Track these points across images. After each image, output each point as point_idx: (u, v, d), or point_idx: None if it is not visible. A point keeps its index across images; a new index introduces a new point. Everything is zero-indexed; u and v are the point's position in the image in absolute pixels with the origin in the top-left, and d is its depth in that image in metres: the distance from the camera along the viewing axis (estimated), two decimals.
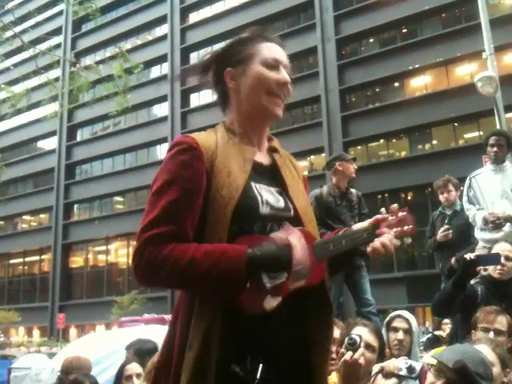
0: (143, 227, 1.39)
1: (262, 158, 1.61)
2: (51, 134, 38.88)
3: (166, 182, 1.43)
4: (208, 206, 1.42)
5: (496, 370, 2.31)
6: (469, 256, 3.54)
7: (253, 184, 1.50)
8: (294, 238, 1.39)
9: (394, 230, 1.59)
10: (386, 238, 1.54)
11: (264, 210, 1.47)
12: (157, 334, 4.70)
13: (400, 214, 1.62)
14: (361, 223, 1.63)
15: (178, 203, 1.40)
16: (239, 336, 1.38)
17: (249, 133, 1.60)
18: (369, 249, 1.55)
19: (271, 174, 1.60)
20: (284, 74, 1.59)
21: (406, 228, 1.61)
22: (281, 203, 1.53)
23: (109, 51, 35.27)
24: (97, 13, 11.04)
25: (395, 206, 1.64)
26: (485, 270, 3.74)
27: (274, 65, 1.58)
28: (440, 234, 5.42)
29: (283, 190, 1.58)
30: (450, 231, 5.38)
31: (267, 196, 1.50)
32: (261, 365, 1.38)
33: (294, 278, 1.39)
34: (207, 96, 32.97)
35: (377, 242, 1.53)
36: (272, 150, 1.66)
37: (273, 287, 1.35)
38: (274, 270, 1.35)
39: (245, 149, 1.56)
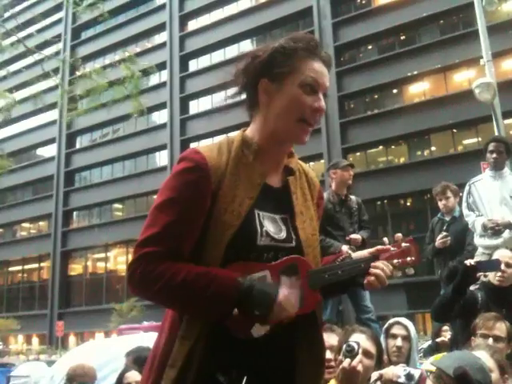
0: (142, 241, 1.39)
1: (275, 179, 1.55)
2: (50, 141, 38.95)
3: (169, 200, 1.41)
4: (208, 228, 1.41)
5: (495, 376, 2.31)
6: (469, 262, 3.55)
7: (256, 212, 1.46)
8: (290, 297, 1.36)
9: (395, 261, 1.55)
10: (380, 269, 1.49)
11: (262, 241, 1.44)
12: None
13: (403, 244, 1.57)
14: (361, 252, 1.58)
15: (178, 223, 1.39)
16: (226, 348, 1.38)
17: (267, 150, 1.52)
18: (366, 281, 1.50)
19: (280, 198, 1.53)
20: (321, 102, 1.49)
21: (408, 259, 1.56)
22: (282, 234, 1.48)
23: (108, 58, 35.39)
24: (105, 14, 11.04)
25: (399, 235, 1.59)
26: (485, 276, 3.74)
27: (312, 89, 1.48)
28: (438, 240, 5.43)
29: (290, 218, 1.52)
30: (449, 238, 5.39)
31: (269, 226, 1.47)
32: (245, 377, 1.38)
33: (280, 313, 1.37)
34: (206, 103, 33.05)
35: (370, 275, 1.49)
36: (288, 171, 1.58)
37: (261, 316, 1.34)
38: (258, 311, 1.33)
39: (255, 171, 1.49)
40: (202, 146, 1.53)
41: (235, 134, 1.57)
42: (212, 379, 1.35)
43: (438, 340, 5.97)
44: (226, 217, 1.40)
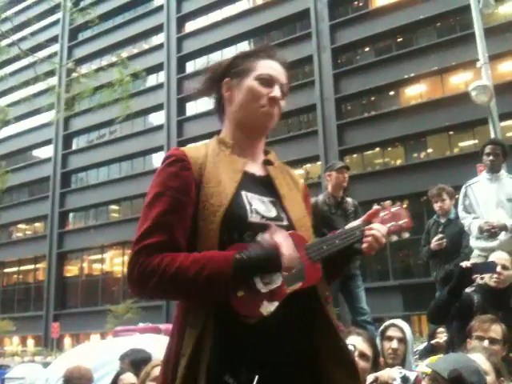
0: (136, 240, 1.42)
1: (256, 169, 1.63)
2: (47, 142, 38.88)
3: (155, 195, 1.46)
4: (198, 214, 1.45)
5: (490, 378, 2.31)
6: (465, 264, 3.55)
7: (243, 193, 1.51)
8: (280, 237, 1.37)
9: (389, 225, 1.59)
10: (376, 230, 1.54)
11: (253, 218, 1.47)
12: (152, 343, 4.68)
13: (393, 208, 1.62)
14: (354, 222, 1.63)
15: (167, 214, 1.42)
16: (235, 346, 1.37)
17: (241, 144, 1.62)
18: (364, 245, 1.54)
19: (265, 185, 1.60)
20: (275, 91, 1.61)
21: (401, 222, 1.60)
22: (272, 213, 1.53)
23: (105, 60, 35.35)
24: (95, 19, 11.07)
25: (388, 202, 1.65)
26: (481, 278, 3.74)
27: (268, 81, 1.61)
28: (434, 242, 5.43)
29: (277, 201, 1.58)
30: (444, 240, 5.39)
31: (257, 205, 1.51)
32: (257, 376, 1.35)
33: (290, 280, 1.38)
34: (203, 105, 33.04)
35: (368, 237, 1.53)
36: (267, 163, 1.67)
37: (268, 292, 1.34)
38: (263, 269, 1.35)
39: (235, 160, 1.58)
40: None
41: (210, 140, 1.67)
42: (221, 381, 1.34)
43: (433, 342, 5.98)
44: (214, 199, 1.45)
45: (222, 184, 1.48)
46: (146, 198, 1.50)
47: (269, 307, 1.34)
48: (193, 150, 1.56)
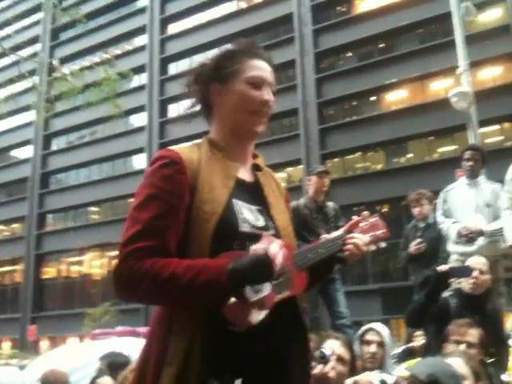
0: (124, 242, 1.37)
1: (245, 174, 1.63)
2: (26, 142, 38.38)
3: (148, 197, 1.42)
4: (191, 220, 1.42)
5: (469, 383, 2.32)
6: (441, 268, 3.58)
7: (234, 201, 1.49)
8: (274, 246, 1.37)
9: (368, 235, 1.65)
10: (357, 238, 1.59)
11: (244, 228, 1.47)
12: (130, 346, 4.65)
13: (372, 219, 1.69)
14: (336, 232, 1.68)
15: (160, 218, 1.39)
16: (219, 350, 1.36)
17: (232, 148, 1.61)
18: (346, 253, 1.59)
19: (253, 192, 1.60)
20: (267, 94, 1.60)
21: (378, 233, 1.67)
22: (260, 222, 1.53)
23: (87, 60, 35.05)
24: (83, 18, 10.98)
25: (366, 212, 1.70)
26: (458, 283, 3.77)
27: (258, 84, 1.60)
28: (413, 246, 5.47)
29: (264, 209, 1.58)
30: (423, 244, 5.43)
31: (247, 214, 1.51)
32: (240, 380, 1.36)
33: (278, 288, 1.39)
34: (185, 106, 32.87)
35: (349, 245, 1.58)
36: (256, 168, 1.67)
37: (257, 300, 1.34)
38: (256, 279, 1.33)
39: (228, 165, 1.56)
40: (172, 147, 1.57)
41: (201, 140, 1.64)
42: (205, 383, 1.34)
43: (410, 345, 6.03)
44: (208, 206, 1.43)
45: (216, 190, 1.47)
46: (135, 198, 1.45)
47: (258, 316, 1.34)
48: (187, 152, 1.52)
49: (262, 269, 1.32)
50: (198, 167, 1.49)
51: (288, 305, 1.47)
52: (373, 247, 1.67)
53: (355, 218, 1.68)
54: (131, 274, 1.33)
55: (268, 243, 1.38)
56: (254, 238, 1.45)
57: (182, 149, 1.54)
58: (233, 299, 1.32)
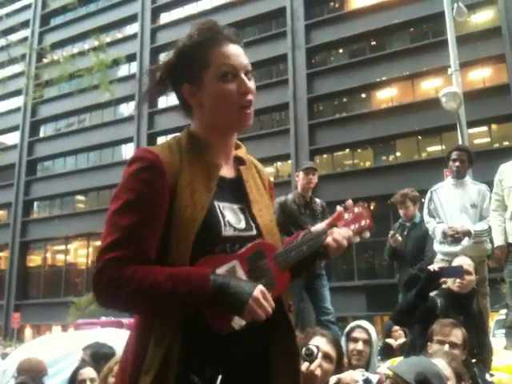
0: (103, 249, 1.34)
1: (227, 170, 1.56)
2: (13, 128, 37.98)
3: (127, 202, 1.37)
4: (171, 225, 1.38)
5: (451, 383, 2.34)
6: (432, 268, 3.60)
7: (216, 203, 1.45)
8: (261, 294, 1.33)
9: (352, 227, 1.61)
10: (337, 233, 1.54)
11: (226, 232, 1.43)
12: (114, 337, 4.63)
13: (356, 209, 1.64)
14: (319, 225, 1.63)
15: (140, 225, 1.35)
16: (201, 348, 1.35)
17: (214, 143, 1.53)
18: (327, 249, 1.55)
19: (235, 188, 1.54)
20: (244, 83, 1.48)
21: (363, 223, 1.63)
22: (242, 224, 1.48)
23: (77, 47, 34.71)
24: (75, 3, 10.85)
25: (350, 202, 1.64)
26: (444, 282, 3.80)
27: (231, 73, 1.47)
28: (390, 239, 5.54)
29: (246, 207, 1.53)
30: (397, 235, 5.49)
31: (229, 216, 1.47)
32: (220, 376, 1.35)
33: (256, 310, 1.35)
34: (175, 97, 32.69)
35: (329, 239, 1.53)
36: (238, 160, 1.60)
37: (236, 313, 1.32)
38: (231, 306, 1.31)
39: (210, 165, 1.49)
40: (152, 146, 1.50)
41: (182, 133, 1.56)
42: (186, 380, 1.33)
43: (388, 341, 6.09)
44: (189, 211, 1.38)
45: (197, 194, 1.41)
46: (113, 200, 1.40)
47: (240, 321, 1.33)
48: (166, 153, 1.44)
49: (240, 305, 1.30)
50: (178, 169, 1.42)
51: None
52: (357, 239, 1.63)
53: (339, 208, 1.63)
54: (111, 282, 1.30)
55: (259, 288, 1.33)
56: (236, 240, 1.44)
57: (162, 149, 1.45)
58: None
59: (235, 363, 1.40)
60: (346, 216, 1.61)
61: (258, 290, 1.32)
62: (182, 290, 1.29)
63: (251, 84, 1.51)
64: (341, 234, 1.54)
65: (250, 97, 1.50)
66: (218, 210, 1.44)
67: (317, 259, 1.64)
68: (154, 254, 1.36)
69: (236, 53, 1.50)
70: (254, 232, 1.50)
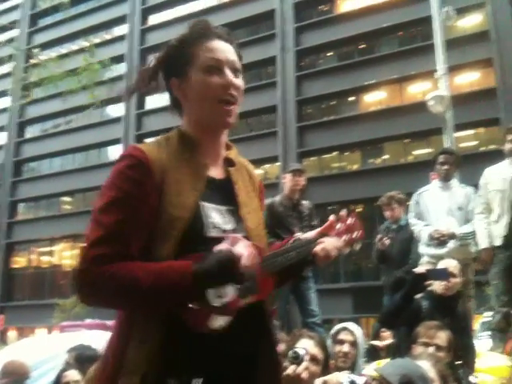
0: (88, 246, 1.33)
1: (217, 171, 1.54)
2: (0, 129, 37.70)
3: (112, 200, 1.36)
4: (156, 224, 1.36)
5: None
6: (418, 270, 3.61)
7: (202, 204, 1.43)
8: (240, 246, 1.33)
9: (343, 237, 1.59)
10: (327, 243, 1.52)
11: (211, 233, 1.41)
12: (98, 340, 4.61)
13: (348, 220, 1.62)
14: (310, 232, 1.62)
15: (124, 223, 1.33)
16: (181, 351, 1.33)
17: (203, 142, 1.52)
18: (315, 258, 1.53)
19: (224, 190, 1.52)
20: (227, 76, 1.47)
21: (355, 234, 1.61)
22: (229, 225, 1.47)
23: (65, 48, 34.48)
24: (67, 4, 10.80)
25: (343, 212, 1.63)
26: (430, 285, 3.82)
27: (215, 67, 1.47)
28: (377, 242, 5.56)
29: (235, 209, 1.51)
30: (385, 238, 5.52)
31: (216, 217, 1.45)
32: (201, 380, 1.33)
33: (242, 293, 1.35)
34: (164, 99, 32.64)
35: (318, 248, 1.51)
36: (228, 162, 1.58)
37: (219, 306, 1.30)
38: (221, 278, 1.29)
39: (198, 165, 1.48)
40: (141, 144, 1.49)
41: (172, 132, 1.56)
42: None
43: (373, 342, 6.11)
44: (175, 211, 1.37)
45: (184, 194, 1.40)
46: (99, 197, 1.39)
47: (219, 321, 1.31)
48: (154, 152, 1.43)
49: (227, 267, 1.28)
50: (165, 168, 1.41)
51: (254, 308, 1.43)
52: (347, 250, 1.62)
53: (331, 217, 1.61)
54: (93, 279, 1.29)
55: (233, 243, 1.33)
56: (222, 241, 1.41)
57: (151, 147, 1.44)
58: (193, 304, 1.29)
59: (217, 367, 1.37)
60: (338, 226, 1.60)
61: (239, 247, 1.31)
62: (164, 282, 1.27)
63: (237, 81, 1.50)
64: (331, 244, 1.53)
65: (231, 91, 1.48)
66: (205, 211, 1.43)
67: (304, 268, 1.64)
68: (137, 253, 1.34)
69: (222, 48, 1.50)
70: (242, 234, 1.47)
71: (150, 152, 1.42)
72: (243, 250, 1.32)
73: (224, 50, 1.51)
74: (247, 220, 1.50)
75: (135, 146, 1.45)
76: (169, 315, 1.32)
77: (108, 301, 1.35)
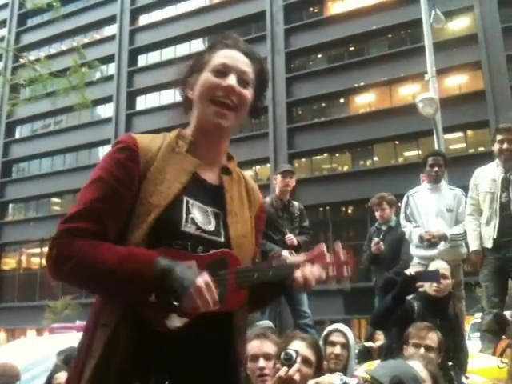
0: (64, 219, 1.35)
1: (211, 175, 1.54)
2: None
3: (96, 178, 1.40)
4: (134, 210, 1.38)
5: None
6: (409, 272, 3.62)
7: (185, 198, 1.43)
8: (205, 283, 1.28)
9: (331, 270, 1.50)
10: (308, 271, 1.45)
11: (187, 228, 1.39)
12: None
13: (341, 255, 1.53)
14: (297, 256, 1.54)
15: (101, 201, 1.35)
16: (146, 352, 1.32)
17: (200, 144, 1.52)
18: (293, 283, 1.47)
19: (214, 195, 1.51)
20: (229, 80, 1.48)
21: (344, 272, 1.51)
22: (211, 226, 1.45)
23: (54, 48, 34.30)
24: (57, 2, 10.77)
25: (339, 245, 1.54)
26: (421, 286, 3.83)
27: (222, 71, 1.49)
28: (372, 246, 5.58)
29: (222, 214, 1.49)
30: (381, 243, 5.54)
31: (196, 215, 1.43)
32: (167, 382, 1.32)
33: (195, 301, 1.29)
34: (153, 99, 32.59)
35: (298, 273, 1.44)
36: (225, 171, 1.57)
37: (180, 307, 1.28)
38: (172, 288, 1.27)
39: (187, 160, 1.48)
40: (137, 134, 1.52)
41: (172, 131, 1.58)
42: None
43: (367, 344, 6.13)
44: (153, 198, 1.38)
45: (166, 183, 1.40)
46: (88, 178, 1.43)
47: (176, 322, 1.29)
48: (147, 140, 1.47)
49: (182, 289, 1.26)
50: (153, 157, 1.43)
51: (222, 321, 1.40)
52: (333, 285, 1.54)
53: (321, 245, 1.52)
54: (60, 251, 1.30)
55: (207, 277, 1.29)
56: (200, 240, 1.40)
57: (144, 137, 1.48)
58: (153, 297, 1.28)
59: (184, 372, 1.36)
60: (328, 258, 1.51)
61: (202, 280, 1.27)
62: (126, 267, 1.27)
63: (240, 89, 1.50)
64: (312, 273, 1.45)
65: (230, 95, 1.48)
66: (185, 205, 1.42)
67: (280, 292, 1.58)
68: (111, 235, 1.35)
69: (236, 57, 1.54)
70: (222, 239, 1.45)
71: (141, 140, 1.46)
72: (208, 277, 1.29)
73: (237, 59, 1.54)
74: (233, 228, 1.48)
75: (129, 134, 1.49)
76: (132, 306, 1.30)
77: (69, 276, 1.34)
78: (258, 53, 1.63)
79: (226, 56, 1.53)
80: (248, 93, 1.53)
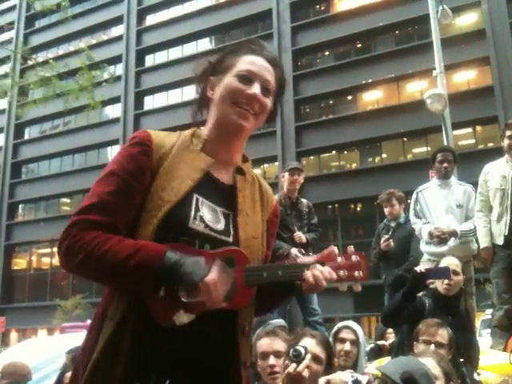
0: (76, 212, 1.36)
1: (224, 175, 1.54)
2: None
3: (109, 172, 1.41)
4: (144, 204, 1.39)
5: (440, 383, 2.34)
6: (419, 269, 3.60)
7: (195, 196, 1.43)
8: (218, 275, 1.29)
9: (342, 272, 1.48)
10: (318, 271, 1.43)
11: (195, 225, 1.40)
12: None
13: (354, 257, 1.50)
14: (308, 257, 1.53)
15: (114, 195, 1.37)
16: (148, 350, 1.33)
17: (215, 143, 1.54)
18: (303, 283, 1.45)
19: (226, 195, 1.52)
20: (253, 89, 1.50)
21: (356, 274, 1.49)
22: (220, 225, 1.45)
23: (62, 49, 34.47)
24: (67, 4, 10.82)
25: (352, 248, 1.52)
26: (432, 283, 3.80)
27: (247, 77, 1.51)
28: (382, 243, 5.55)
29: (232, 214, 1.50)
30: (391, 240, 5.51)
31: (205, 213, 1.44)
32: (167, 382, 1.32)
33: (204, 296, 1.30)
34: (161, 99, 32.67)
35: (308, 273, 1.42)
36: (239, 171, 1.58)
37: (188, 303, 1.28)
38: (180, 282, 1.28)
39: (200, 158, 1.49)
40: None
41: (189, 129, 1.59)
42: None
43: (379, 343, 6.09)
44: (164, 194, 1.39)
45: (177, 180, 1.41)
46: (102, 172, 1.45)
47: (183, 317, 1.29)
48: (161, 136, 1.49)
49: (190, 283, 1.27)
50: (166, 153, 1.45)
51: (227, 319, 1.40)
52: (344, 287, 1.51)
53: (332, 247, 1.50)
54: (71, 243, 1.31)
55: (216, 268, 1.31)
56: (208, 238, 1.41)
57: (158, 133, 1.50)
58: (162, 292, 1.28)
59: (184, 369, 1.36)
60: (340, 259, 1.48)
61: (212, 277, 1.28)
62: (137, 258, 1.27)
63: (263, 98, 1.52)
64: (322, 273, 1.43)
65: (253, 102, 1.51)
66: (194, 202, 1.43)
67: (290, 293, 1.57)
68: (122, 228, 1.36)
69: (261, 65, 1.56)
70: (231, 239, 1.45)
71: (155, 136, 1.48)
72: (217, 274, 1.30)
73: (263, 67, 1.55)
74: (242, 229, 1.48)
75: (144, 130, 1.51)
76: (140, 300, 1.31)
77: (80, 267, 1.34)
78: (279, 61, 1.64)
79: (252, 62, 1.54)
80: (269, 102, 1.57)
